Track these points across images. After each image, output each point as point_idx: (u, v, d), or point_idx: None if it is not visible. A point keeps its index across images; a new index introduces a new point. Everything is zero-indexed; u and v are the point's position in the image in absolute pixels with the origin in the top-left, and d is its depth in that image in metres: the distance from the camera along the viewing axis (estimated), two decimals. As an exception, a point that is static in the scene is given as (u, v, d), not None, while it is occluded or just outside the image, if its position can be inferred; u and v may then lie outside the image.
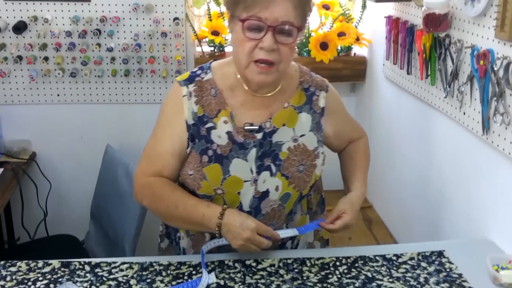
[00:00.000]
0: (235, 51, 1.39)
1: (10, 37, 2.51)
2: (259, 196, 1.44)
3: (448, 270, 1.43)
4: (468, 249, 1.55)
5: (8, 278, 1.38)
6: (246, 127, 1.43)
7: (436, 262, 1.46)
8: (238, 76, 1.43)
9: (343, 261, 1.46)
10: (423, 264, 1.46)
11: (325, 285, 1.36)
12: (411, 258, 1.48)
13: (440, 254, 1.50)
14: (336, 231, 1.48)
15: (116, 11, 2.54)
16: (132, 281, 1.37)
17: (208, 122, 1.43)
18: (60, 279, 1.38)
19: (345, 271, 1.42)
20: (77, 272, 1.41)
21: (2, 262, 1.44)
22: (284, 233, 1.44)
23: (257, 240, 1.36)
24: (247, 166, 1.43)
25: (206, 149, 1.42)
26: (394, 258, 1.48)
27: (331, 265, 1.45)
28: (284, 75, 1.45)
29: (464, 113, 1.69)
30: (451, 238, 1.82)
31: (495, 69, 1.47)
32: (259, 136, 1.44)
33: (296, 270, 1.42)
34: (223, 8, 2.28)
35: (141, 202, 1.51)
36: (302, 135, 1.48)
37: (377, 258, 1.48)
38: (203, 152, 1.43)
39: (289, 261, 1.45)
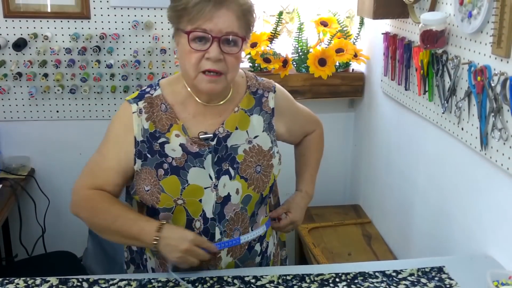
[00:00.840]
0: (182, 63, 1.41)
1: (10, 54, 2.52)
2: (221, 201, 1.45)
3: (448, 286, 1.42)
4: (468, 265, 1.54)
5: (6, 296, 1.37)
6: (201, 136, 1.45)
7: (436, 278, 1.46)
8: (189, 89, 1.45)
9: (343, 277, 1.45)
10: (423, 280, 1.45)
11: (324, 301, 1.36)
12: (411, 274, 1.47)
13: (440, 270, 1.49)
14: (282, 228, 1.63)
15: (116, 28, 2.56)
16: (131, 298, 1.36)
17: (161, 137, 1.44)
18: (58, 297, 1.37)
19: (345, 287, 1.42)
20: (75, 289, 1.40)
21: (0, 279, 1.43)
22: (222, 245, 1.46)
23: (196, 252, 1.38)
24: (205, 173, 1.44)
25: (161, 163, 1.43)
26: (394, 274, 1.48)
27: (330, 281, 1.44)
28: (232, 83, 1.48)
29: (462, 129, 1.70)
30: (450, 254, 1.81)
31: (492, 85, 1.48)
32: (213, 142, 1.45)
33: (295, 287, 1.41)
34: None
35: (77, 214, 1.49)
36: (256, 136, 1.51)
37: (376, 274, 1.47)
38: (158, 166, 1.43)
39: (288, 277, 1.44)
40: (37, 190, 2.63)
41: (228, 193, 1.45)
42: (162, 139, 1.44)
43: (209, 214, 1.45)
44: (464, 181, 1.75)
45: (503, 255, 1.54)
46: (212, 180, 1.44)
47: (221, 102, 1.48)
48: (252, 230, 1.51)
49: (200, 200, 1.44)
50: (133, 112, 1.45)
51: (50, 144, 2.70)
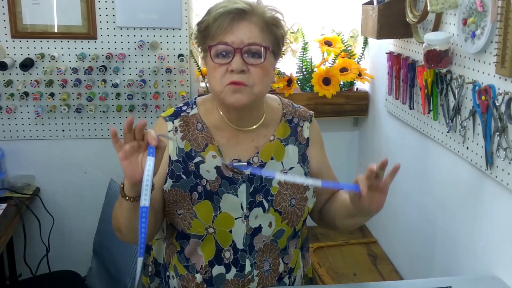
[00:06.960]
0: (209, 81, 1.39)
1: (17, 74, 2.55)
2: (251, 232, 1.42)
3: (455, 307, 1.41)
4: (474, 286, 1.52)
5: (9, 316, 1.37)
6: (234, 164, 1.41)
7: (443, 299, 1.44)
8: (221, 113, 1.43)
9: (348, 298, 1.44)
10: (430, 301, 1.44)
11: (330, 323, 1.34)
12: (417, 295, 1.46)
13: (447, 291, 1.48)
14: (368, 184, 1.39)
15: (122, 48, 2.59)
16: (135, 319, 1.35)
17: (196, 156, 1.42)
18: (62, 317, 1.36)
19: (351, 308, 1.40)
20: (79, 310, 1.39)
21: (4, 300, 1.43)
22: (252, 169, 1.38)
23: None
24: (238, 202, 1.40)
25: (196, 185, 1.40)
26: (400, 295, 1.46)
27: (336, 302, 1.43)
28: (266, 107, 1.45)
29: (467, 148, 1.69)
30: (457, 275, 1.80)
31: (497, 104, 1.49)
32: (247, 172, 1.42)
33: (300, 308, 1.40)
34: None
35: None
36: (291, 168, 1.47)
37: (382, 295, 1.46)
38: (192, 189, 1.40)
39: (293, 298, 1.43)
40: (42, 209, 2.63)
41: (260, 224, 1.42)
42: (197, 159, 1.41)
43: (240, 245, 1.42)
44: (469, 200, 1.74)
45: (511, 276, 1.52)
46: (243, 210, 1.41)
47: (254, 127, 1.45)
48: (283, 261, 1.49)
49: (230, 231, 1.40)
50: (169, 131, 1.43)
51: (55, 163, 2.71)
